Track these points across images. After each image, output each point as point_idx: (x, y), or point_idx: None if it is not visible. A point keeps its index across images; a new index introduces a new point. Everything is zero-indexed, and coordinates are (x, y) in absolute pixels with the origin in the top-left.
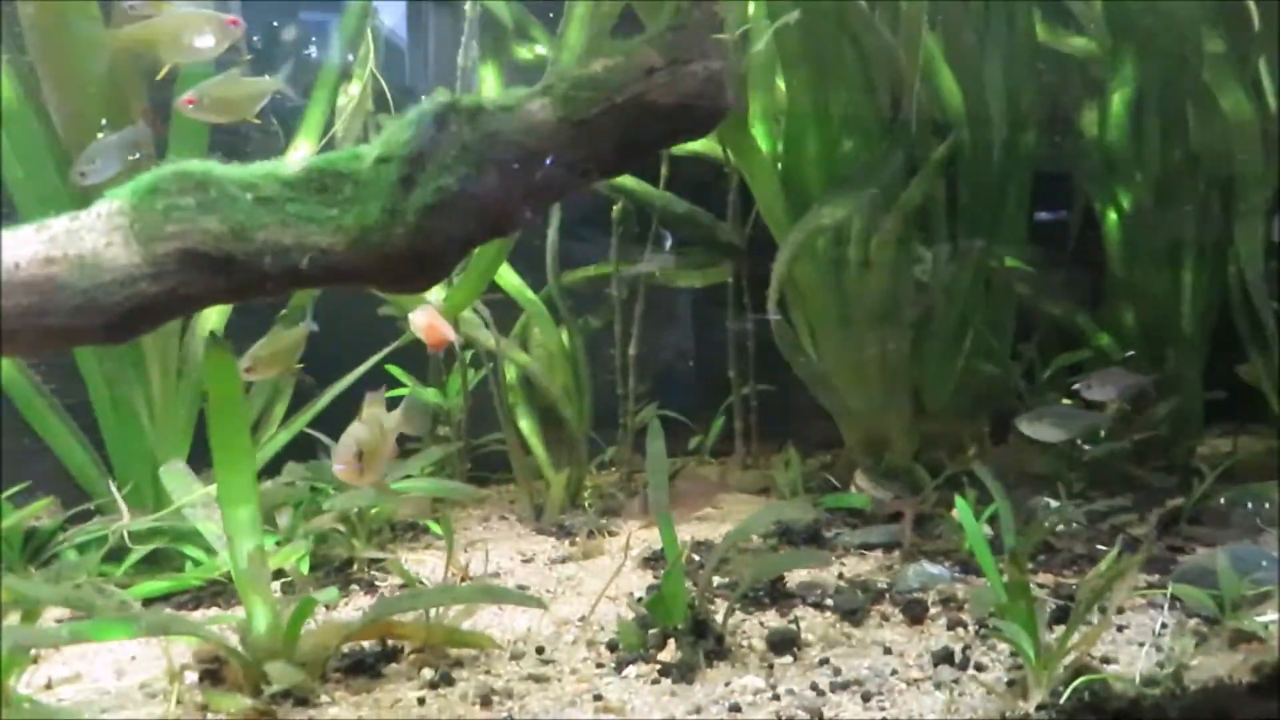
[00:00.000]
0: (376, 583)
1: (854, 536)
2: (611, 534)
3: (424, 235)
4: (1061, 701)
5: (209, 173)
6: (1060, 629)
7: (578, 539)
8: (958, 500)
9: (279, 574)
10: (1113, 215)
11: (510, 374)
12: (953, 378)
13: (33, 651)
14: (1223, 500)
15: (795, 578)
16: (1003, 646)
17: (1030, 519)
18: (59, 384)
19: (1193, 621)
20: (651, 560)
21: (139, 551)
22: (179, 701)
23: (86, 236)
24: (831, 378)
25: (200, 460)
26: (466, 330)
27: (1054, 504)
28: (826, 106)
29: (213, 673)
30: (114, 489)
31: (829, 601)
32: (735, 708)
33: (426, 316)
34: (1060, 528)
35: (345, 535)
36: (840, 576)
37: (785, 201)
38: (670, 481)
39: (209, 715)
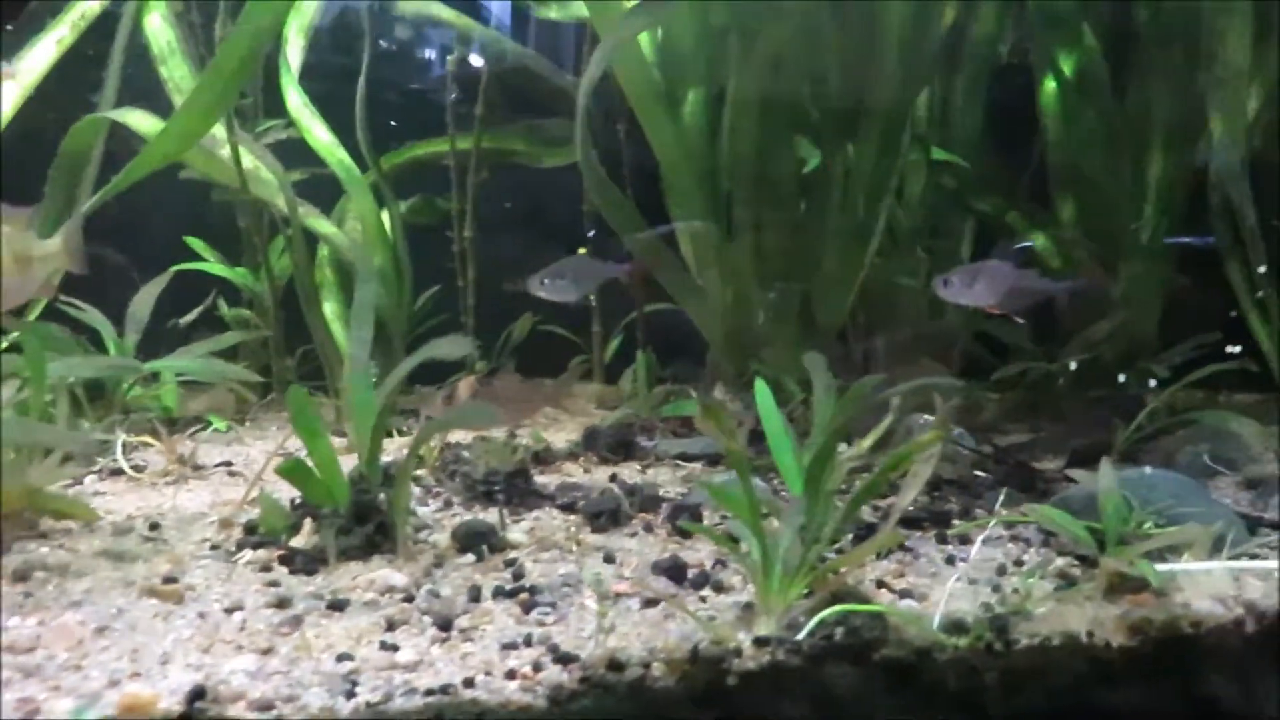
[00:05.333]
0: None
1: (673, 445)
2: (401, 434)
3: None
4: (799, 637)
5: None
6: None
7: None
8: (756, 384)
9: None
10: (1051, 84)
11: (323, 251)
12: (852, 286)
13: None
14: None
15: (560, 478)
16: None
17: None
18: None
19: (1062, 561)
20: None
21: None
22: None
23: None
24: (690, 264)
25: None
26: (262, 192)
27: (929, 419)
28: None
29: None
30: None
31: (582, 504)
32: (337, 606)
33: None
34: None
35: (74, 415)
36: (613, 479)
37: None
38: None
39: None
